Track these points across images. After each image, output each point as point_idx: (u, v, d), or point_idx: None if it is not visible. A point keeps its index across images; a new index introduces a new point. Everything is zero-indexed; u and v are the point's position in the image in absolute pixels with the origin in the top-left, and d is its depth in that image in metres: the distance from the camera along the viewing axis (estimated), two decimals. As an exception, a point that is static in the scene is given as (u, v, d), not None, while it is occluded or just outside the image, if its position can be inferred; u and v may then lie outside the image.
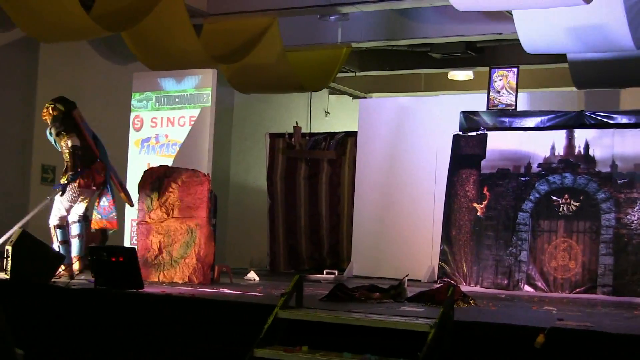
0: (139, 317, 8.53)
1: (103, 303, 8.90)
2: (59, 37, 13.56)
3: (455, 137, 12.84)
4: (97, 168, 11.31)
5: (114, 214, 11.46)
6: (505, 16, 13.46)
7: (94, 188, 11.31)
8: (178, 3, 13.39)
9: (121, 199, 11.83)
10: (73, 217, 11.27)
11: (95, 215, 11.43)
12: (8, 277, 9.83)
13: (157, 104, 13.59)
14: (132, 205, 11.98)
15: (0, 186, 13.95)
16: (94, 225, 11.45)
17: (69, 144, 11.08)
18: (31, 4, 12.28)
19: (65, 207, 11.19)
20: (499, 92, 12.72)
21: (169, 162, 12.73)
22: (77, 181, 11.11)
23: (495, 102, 12.77)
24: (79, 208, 11.29)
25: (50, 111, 11.35)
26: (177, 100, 13.32)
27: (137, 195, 11.92)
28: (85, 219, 11.35)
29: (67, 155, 11.13)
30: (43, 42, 14.29)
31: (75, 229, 11.24)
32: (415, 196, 13.90)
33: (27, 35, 13.63)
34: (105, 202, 11.40)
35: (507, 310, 8.77)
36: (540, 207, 12.00)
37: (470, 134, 12.72)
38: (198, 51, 14.04)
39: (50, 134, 11.39)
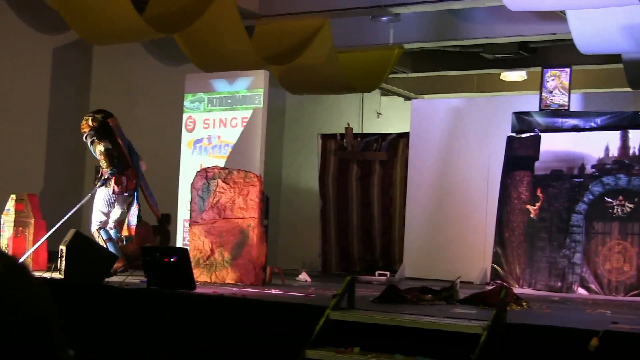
0: (191, 318, 8.57)
1: (155, 303, 8.95)
2: (112, 40, 13.69)
3: (509, 138, 12.75)
4: (129, 175, 11.47)
5: (135, 221, 11.62)
6: (558, 16, 13.34)
7: (127, 194, 11.49)
8: (230, 5, 13.44)
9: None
10: (110, 223, 11.47)
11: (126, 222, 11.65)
12: (62, 277, 9.93)
13: (210, 105, 13.65)
14: (158, 217, 12.17)
15: (56, 188, 14.10)
16: (123, 232, 11.68)
17: (102, 148, 11.27)
18: (85, 8, 12.40)
19: (104, 212, 11.39)
20: (551, 92, 12.60)
21: (221, 163, 12.78)
22: (112, 187, 11.29)
23: (548, 102, 12.64)
24: (115, 214, 11.49)
25: (90, 122, 11.51)
26: (229, 101, 13.37)
27: (190, 196, 11.98)
28: (120, 224, 11.54)
29: (101, 158, 11.32)
30: (96, 44, 14.43)
31: (110, 234, 11.43)
32: (468, 197, 13.83)
33: (81, 38, 13.77)
34: (132, 209, 11.61)
35: (560, 313, 8.68)
36: (594, 208, 11.87)
37: (523, 135, 12.61)
38: (250, 52, 14.08)
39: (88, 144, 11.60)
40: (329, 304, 7.44)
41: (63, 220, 10.99)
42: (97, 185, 11.36)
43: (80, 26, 12.96)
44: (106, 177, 11.30)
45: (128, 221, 11.54)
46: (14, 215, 11.82)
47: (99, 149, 11.34)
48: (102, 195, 11.40)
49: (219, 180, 11.72)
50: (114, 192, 11.34)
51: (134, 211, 11.57)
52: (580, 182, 12.02)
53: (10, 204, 11.92)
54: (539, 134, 12.48)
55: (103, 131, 11.43)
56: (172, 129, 14.66)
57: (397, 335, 7.08)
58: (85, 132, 11.52)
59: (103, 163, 11.35)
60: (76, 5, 12.42)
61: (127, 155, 11.55)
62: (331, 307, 7.37)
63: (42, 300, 0.97)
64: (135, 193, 11.58)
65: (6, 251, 10.61)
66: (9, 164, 13.21)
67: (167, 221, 14.51)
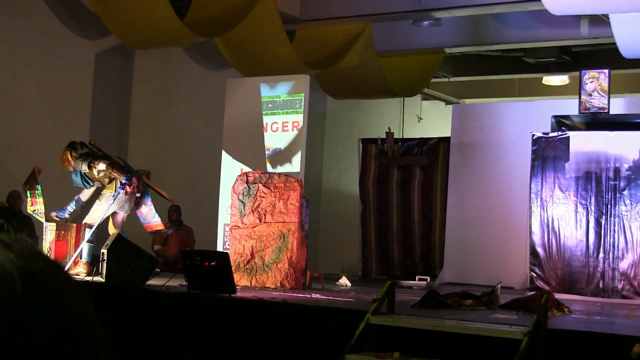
0: (231, 322, 8.60)
1: (196, 307, 8.99)
2: (153, 44, 13.78)
3: (536, 138, 12.52)
4: (137, 177, 11.72)
5: (157, 217, 11.79)
6: (601, 20, 13.24)
7: (138, 195, 11.68)
8: (271, 9, 13.48)
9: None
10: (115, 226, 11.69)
11: (141, 222, 11.89)
12: (103, 280, 10.00)
13: (251, 109, 13.70)
14: (172, 200, 12.35)
15: (97, 190, 14.19)
16: (147, 229, 11.91)
17: (103, 165, 11.57)
18: (126, 13, 12.50)
19: (119, 214, 11.63)
20: (590, 95, 12.45)
21: (261, 167, 12.81)
22: (125, 189, 11.46)
23: (587, 105, 12.49)
24: (120, 216, 11.72)
25: (73, 154, 11.77)
26: (270, 106, 13.40)
27: (230, 200, 12.03)
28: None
29: (110, 172, 11.57)
30: (138, 49, 14.54)
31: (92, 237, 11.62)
32: (509, 202, 13.75)
33: (122, 43, 13.88)
34: (145, 208, 11.78)
35: (601, 319, 8.61)
36: (631, 212, 11.73)
37: (551, 135, 12.41)
38: (291, 57, 14.11)
39: (81, 174, 11.77)
40: (369, 309, 7.44)
41: (94, 228, 11.10)
42: (117, 193, 11.51)
43: (122, 31, 13.07)
44: (124, 182, 11.47)
45: (147, 220, 11.76)
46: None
47: (100, 167, 11.61)
48: (109, 200, 11.62)
49: (260, 185, 11.75)
50: (126, 193, 11.51)
51: (149, 209, 11.73)
52: (615, 185, 11.86)
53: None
54: (567, 133, 12.27)
55: (91, 154, 11.75)
56: (213, 133, 14.72)
57: (437, 341, 7.06)
58: (69, 167, 11.78)
59: (114, 174, 11.55)
60: (118, 11, 12.52)
61: (121, 163, 11.88)
62: (371, 312, 7.37)
63: (82, 301, 0.98)
64: (146, 193, 11.80)
65: (47, 253, 10.73)
66: (52, 167, 13.32)
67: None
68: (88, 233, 11.58)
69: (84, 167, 11.72)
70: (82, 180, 11.85)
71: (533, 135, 12.48)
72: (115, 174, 11.58)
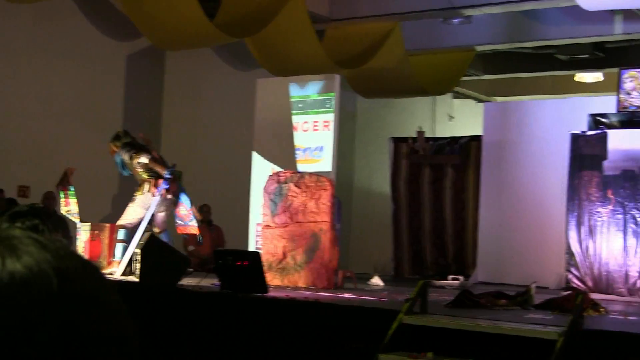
0: (263, 321, 8.60)
1: (228, 307, 9.00)
2: (184, 45, 13.82)
3: (574, 136, 12.43)
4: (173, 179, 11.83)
5: (194, 220, 11.88)
6: (635, 15, 13.13)
7: (170, 196, 11.75)
8: (301, 9, 13.48)
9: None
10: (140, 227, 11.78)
11: (177, 222, 11.92)
12: (137, 279, 10.05)
13: (281, 109, 13.71)
14: (199, 218, 12.45)
15: (130, 191, 14.26)
16: (180, 231, 11.95)
17: (146, 159, 11.70)
18: (156, 14, 12.54)
19: (141, 216, 11.69)
20: (629, 94, 12.34)
21: (293, 167, 12.81)
22: (163, 193, 11.57)
23: (626, 104, 12.39)
24: (160, 217, 11.82)
25: (117, 144, 11.93)
26: (300, 105, 13.39)
27: (262, 199, 12.03)
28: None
29: (152, 165, 11.73)
30: (168, 50, 14.59)
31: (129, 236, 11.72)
32: (543, 201, 13.65)
33: (153, 45, 13.94)
34: (184, 210, 11.90)
35: (638, 320, 8.53)
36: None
37: (589, 133, 12.32)
38: (321, 57, 14.10)
39: (122, 163, 11.84)
40: (401, 309, 7.41)
41: (142, 230, 11.18)
42: (160, 190, 11.59)
43: (152, 33, 13.12)
44: (168, 176, 11.57)
45: (184, 222, 11.84)
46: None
47: (142, 160, 11.74)
48: (145, 200, 11.74)
49: (291, 184, 11.75)
50: (162, 195, 11.59)
51: (189, 212, 11.82)
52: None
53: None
54: (606, 131, 12.17)
55: (135, 145, 11.92)
56: (243, 133, 14.74)
57: (470, 340, 7.02)
58: (116, 152, 11.89)
59: (156, 168, 11.62)
60: (148, 12, 12.56)
61: (162, 161, 11.97)
62: (404, 312, 7.34)
63: (116, 300, 1.00)
64: (185, 194, 11.87)
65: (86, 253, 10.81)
66: (84, 168, 13.40)
67: None
68: (122, 234, 11.69)
69: (125, 157, 11.84)
70: (121, 167, 12.00)
71: (572, 134, 12.41)
72: (158, 168, 11.69)
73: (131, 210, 11.83)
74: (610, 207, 11.92)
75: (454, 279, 13.15)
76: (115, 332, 0.96)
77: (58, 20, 13.89)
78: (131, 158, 11.82)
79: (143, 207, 11.72)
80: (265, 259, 11.09)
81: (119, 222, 11.85)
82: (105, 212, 14.39)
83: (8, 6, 12.67)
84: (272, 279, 11.14)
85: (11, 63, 13.41)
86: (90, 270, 0.97)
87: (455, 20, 14.77)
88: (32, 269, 0.92)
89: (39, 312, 0.90)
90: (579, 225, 12.25)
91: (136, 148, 11.90)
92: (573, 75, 19.25)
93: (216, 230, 14.60)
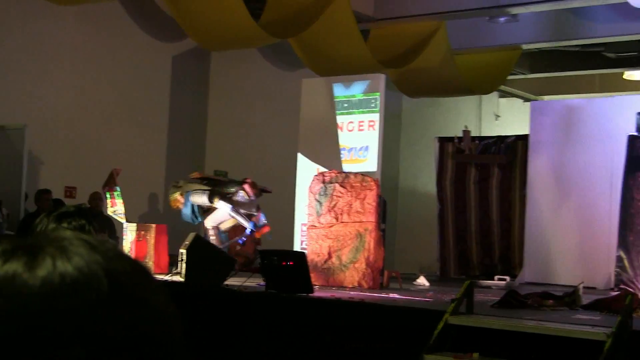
0: (309, 321, 8.61)
1: (273, 307, 9.02)
2: (229, 46, 13.88)
3: (631, 137, 12.35)
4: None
5: (264, 219, 11.95)
6: (684, 12, 12.98)
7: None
8: (345, 9, 13.48)
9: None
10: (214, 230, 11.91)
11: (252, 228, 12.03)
12: (183, 280, 10.10)
13: (326, 109, 13.72)
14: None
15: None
16: (258, 235, 12.13)
17: (212, 199, 11.90)
18: (202, 15, 12.61)
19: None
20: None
21: (338, 167, 12.82)
22: (252, 234, 11.83)
23: (679, 102, 12.23)
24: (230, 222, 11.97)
25: (178, 197, 12.11)
26: (345, 105, 13.40)
27: (307, 199, 12.06)
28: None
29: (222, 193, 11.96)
30: (213, 51, 14.65)
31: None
32: (590, 200, 13.54)
33: (199, 45, 14.02)
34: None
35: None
36: None
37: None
38: (365, 56, 14.09)
39: (192, 208, 12.01)
40: (447, 309, 7.39)
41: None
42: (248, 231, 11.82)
43: (198, 33, 13.19)
44: (251, 230, 11.85)
45: (260, 222, 11.99)
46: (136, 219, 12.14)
47: (208, 200, 11.87)
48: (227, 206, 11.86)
49: (336, 184, 11.75)
50: (249, 197, 11.73)
51: (259, 213, 11.93)
52: None
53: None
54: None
55: (206, 184, 12.07)
56: (289, 133, 14.78)
57: (517, 342, 6.99)
58: (182, 202, 12.00)
59: (241, 222, 11.82)
60: (194, 13, 12.63)
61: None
62: (450, 312, 7.32)
63: (165, 302, 1.01)
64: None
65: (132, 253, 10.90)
66: (131, 169, 13.51)
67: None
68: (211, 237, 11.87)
69: (204, 200, 11.89)
70: (192, 215, 12.07)
71: (630, 135, 12.30)
72: (242, 221, 11.87)
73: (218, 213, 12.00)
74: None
75: (500, 279, 13.10)
76: (164, 334, 0.97)
77: (102, 22, 14.00)
78: (211, 201, 11.91)
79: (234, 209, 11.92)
80: (310, 259, 11.10)
81: (208, 225, 11.96)
82: (152, 212, 14.50)
83: (52, 8, 12.81)
84: (317, 279, 11.15)
85: (56, 64, 13.52)
86: (139, 271, 0.98)
87: (502, 19, 14.71)
88: (82, 271, 0.93)
89: (89, 314, 0.92)
90: (631, 224, 12.13)
91: (210, 191, 11.97)
92: (621, 73, 19.06)
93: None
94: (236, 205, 11.78)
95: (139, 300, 0.95)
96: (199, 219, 12.11)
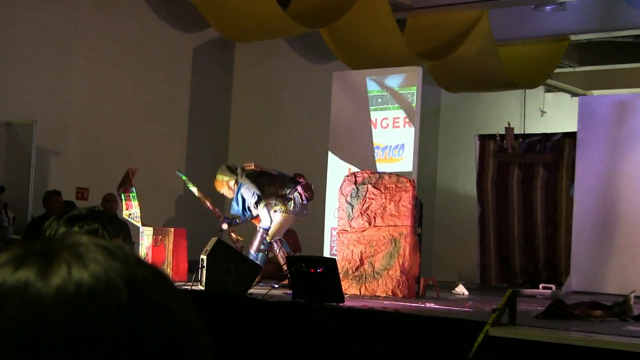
0: (339, 333, 8.63)
1: (301, 317, 9.04)
2: (254, 37, 13.92)
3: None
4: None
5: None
6: None
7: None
8: (380, -3, 13.51)
9: None
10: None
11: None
12: (203, 288, 10.12)
13: (358, 105, 13.73)
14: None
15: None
16: None
17: (281, 209, 11.82)
18: (226, 3, 12.66)
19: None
20: None
21: (371, 167, 12.82)
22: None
23: None
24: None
25: (228, 186, 11.98)
26: (379, 100, 13.40)
27: (337, 202, 12.07)
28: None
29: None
30: (238, 42, 14.69)
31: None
32: (643, 203, 13.48)
33: (222, 36, 14.06)
34: None
35: None
36: None
37: None
38: (402, 48, 14.10)
39: (243, 203, 11.95)
40: (488, 319, 7.39)
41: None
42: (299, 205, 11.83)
43: (221, 23, 13.24)
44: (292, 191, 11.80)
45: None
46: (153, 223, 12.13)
47: (279, 209, 11.81)
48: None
49: (369, 186, 11.76)
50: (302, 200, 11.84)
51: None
52: None
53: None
54: None
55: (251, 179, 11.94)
56: (319, 129, 14.80)
57: (563, 355, 6.97)
58: (233, 190, 11.97)
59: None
60: (216, 1, 12.68)
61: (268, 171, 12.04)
62: (491, 323, 7.32)
63: (189, 311, 1.02)
64: None
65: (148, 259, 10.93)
66: (148, 169, 13.58)
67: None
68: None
69: (250, 201, 11.88)
70: (243, 210, 12.02)
71: None
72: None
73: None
74: None
75: (545, 288, 13.05)
76: (188, 345, 0.97)
77: (119, 9, 14.04)
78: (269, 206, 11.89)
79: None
80: (341, 265, 11.11)
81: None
82: (170, 215, 14.55)
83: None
84: (349, 287, 11.16)
85: (68, 55, 13.54)
86: (161, 280, 0.98)
87: (548, 8, 14.67)
88: (100, 279, 0.93)
89: (107, 325, 0.91)
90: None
91: (257, 183, 11.93)
92: (677, 66, 18.98)
93: (292, 235, 14.65)
94: (293, 210, 11.78)
95: (162, 310, 0.95)
96: (248, 215, 12.04)
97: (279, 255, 11.81)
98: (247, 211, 11.92)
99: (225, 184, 11.93)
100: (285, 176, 12.06)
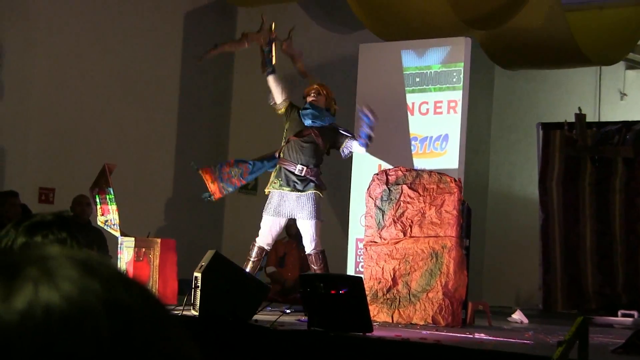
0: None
1: (319, 349, 9.06)
2: (260, 0, 13.92)
3: None
4: None
5: None
6: None
7: None
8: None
9: None
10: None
11: None
12: (196, 313, 10.12)
13: (391, 85, 13.74)
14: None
15: (186, 195, 14.43)
16: None
17: None
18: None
19: None
20: None
21: (406, 163, 12.83)
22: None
23: None
24: None
25: None
26: (417, 80, 13.41)
27: (365, 207, 12.07)
28: None
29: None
30: (239, 5, 14.71)
31: None
32: None
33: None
34: None
35: None
36: None
37: None
38: (445, 13, 14.09)
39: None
40: (553, 355, 7.40)
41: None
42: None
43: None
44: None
45: None
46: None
47: None
48: None
49: (404, 186, 11.77)
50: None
51: None
52: None
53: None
54: None
55: None
56: (342, 116, 14.82)
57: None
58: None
59: None
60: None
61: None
62: (557, 358, 7.33)
63: (187, 345, 1.01)
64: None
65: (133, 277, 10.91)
66: (129, 164, 13.59)
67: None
68: None
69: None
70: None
71: None
72: None
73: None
74: None
75: (624, 315, 13.05)
76: None
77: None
78: None
79: None
80: (368, 286, 11.12)
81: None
82: (156, 222, 14.54)
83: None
84: (378, 313, 11.18)
85: (29, 26, 13.50)
86: (152, 304, 0.95)
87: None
88: (73, 302, 0.91)
89: None
90: None
91: None
92: None
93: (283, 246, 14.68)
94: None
95: (152, 344, 0.93)
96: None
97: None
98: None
99: None
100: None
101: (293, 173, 11.74)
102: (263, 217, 11.84)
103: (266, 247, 11.82)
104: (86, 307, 0.92)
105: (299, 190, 11.70)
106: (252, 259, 11.69)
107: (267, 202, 11.84)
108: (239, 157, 12.35)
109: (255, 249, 11.75)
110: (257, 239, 11.81)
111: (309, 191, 11.74)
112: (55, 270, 0.95)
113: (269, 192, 11.87)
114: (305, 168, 11.73)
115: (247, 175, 12.17)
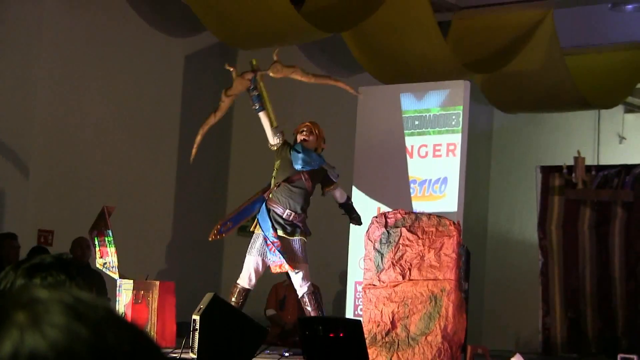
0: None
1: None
2: (260, 42, 13.97)
3: None
4: None
5: None
6: None
7: None
8: (418, -6, 13.57)
9: None
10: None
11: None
12: (194, 356, 10.11)
13: (390, 128, 13.76)
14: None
15: (188, 238, 14.43)
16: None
17: None
18: (225, 2, 12.71)
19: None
20: None
21: (405, 206, 12.84)
22: None
23: None
24: None
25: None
26: (416, 123, 13.42)
27: (364, 249, 12.07)
28: None
29: None
30: (241, 48, 14.75)
31: None
32: None
33: (220, 41, 14.11)
34: None
35: None
36: None
37: None
38: (444, 57, 14.13)
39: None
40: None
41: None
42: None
43: (220, 26, 13.29)
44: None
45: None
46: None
47: None
48: None
49: (403, 229, 11.77)
50: None
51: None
52: None
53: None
54: None
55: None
56: (340, 156, 14.84)
57: None
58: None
59: None
60: (214, 1, 12.75)
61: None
62: (555, 403, 7.33)
63: None
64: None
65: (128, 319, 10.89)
66: (129, 207, 13.59)
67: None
68: None
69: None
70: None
71: None
72: None
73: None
74: None
75: (624, 359, 13.03)
76: None
77: (92, 7, 14.04)
78: None
79: None
80: (367, 329, 11.11)
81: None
82: (155, 265, 14.51)
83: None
84: (377, 356, 11.16)
85: (29, 61, 13.42)
86: (144, 349, 0.93)
87: (629, 7, 14.70)
88: (58, 349, 0.89)
89: None
90: None
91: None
92: None
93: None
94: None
95: None
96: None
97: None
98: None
99: None
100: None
101: (281, 217, 11.74)
102: (246, 258, 11.80)
103: (248, 287, 11.76)
104: (72, 354, 0.89)
105: (286, 234, 11.70)
106: (233, 300, 11.60)
107: (251, 242, 11.81)
108: (231, 211, 12.34)
109: (238, 290, 11.71)
110: (238, 280, 11.77)
111: (297, 237, 11.75)
112: (43, 315, 0.93)
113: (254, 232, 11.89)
114: (293, 213, 11.73)
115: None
